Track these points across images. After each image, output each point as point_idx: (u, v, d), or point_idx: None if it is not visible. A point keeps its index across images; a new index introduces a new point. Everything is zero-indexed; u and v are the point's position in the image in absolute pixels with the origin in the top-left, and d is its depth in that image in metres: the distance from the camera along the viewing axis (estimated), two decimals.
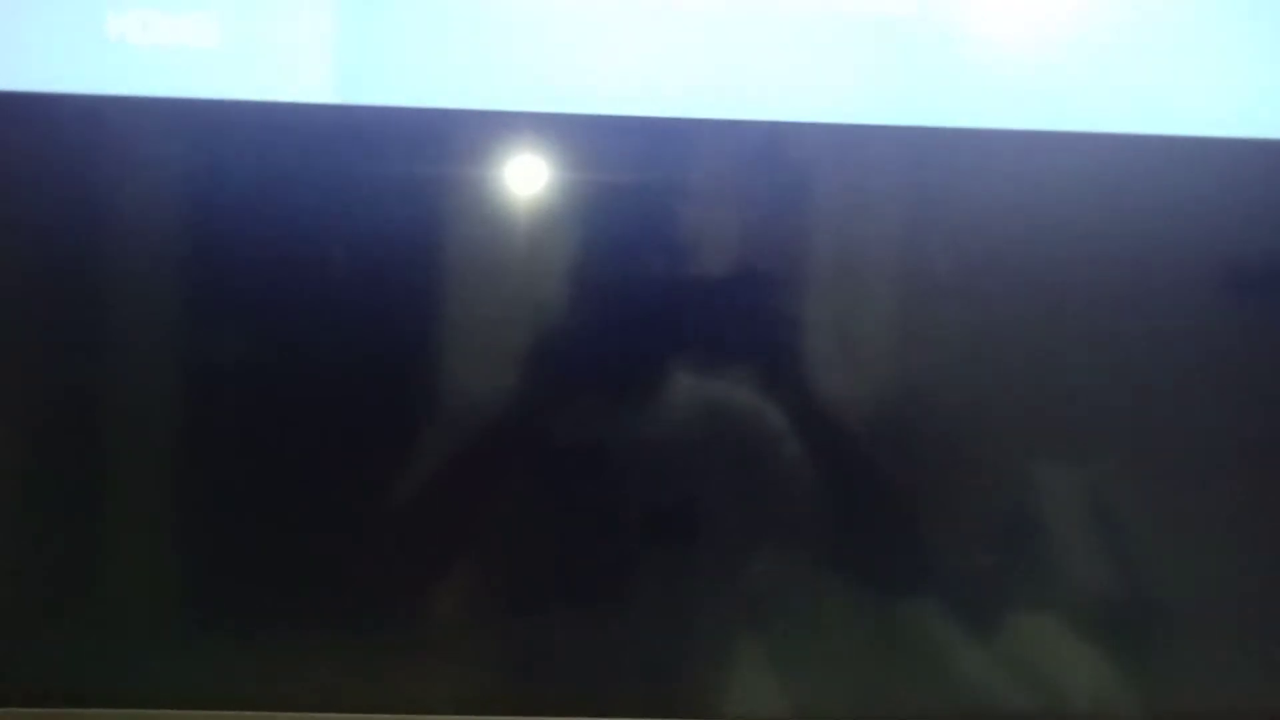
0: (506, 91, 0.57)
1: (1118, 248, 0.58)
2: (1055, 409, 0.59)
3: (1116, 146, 0.58)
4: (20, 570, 0.58)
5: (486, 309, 0.58)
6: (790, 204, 0.58)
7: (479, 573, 0.60)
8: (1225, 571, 0.60)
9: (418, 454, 0.59)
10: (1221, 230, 0.58)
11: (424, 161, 0.57)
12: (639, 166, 0.57)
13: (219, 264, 0.57)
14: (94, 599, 0.58)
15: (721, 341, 0.58)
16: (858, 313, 0.59)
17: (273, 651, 0.59)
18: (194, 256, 0.57)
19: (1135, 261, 0.58)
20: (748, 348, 0.59)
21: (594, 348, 0.58)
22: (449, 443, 0.59)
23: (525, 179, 0.57)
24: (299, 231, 0.56)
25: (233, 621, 0.59)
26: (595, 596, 0.60)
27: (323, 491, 0.58)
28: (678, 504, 0.59)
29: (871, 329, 0.59)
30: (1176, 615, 0.60)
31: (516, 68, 0.57)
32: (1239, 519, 0.60)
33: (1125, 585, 0.60)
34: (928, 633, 0.60)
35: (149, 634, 0.59)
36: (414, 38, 0.56)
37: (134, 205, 0.56)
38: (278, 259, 0.57)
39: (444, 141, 0.57)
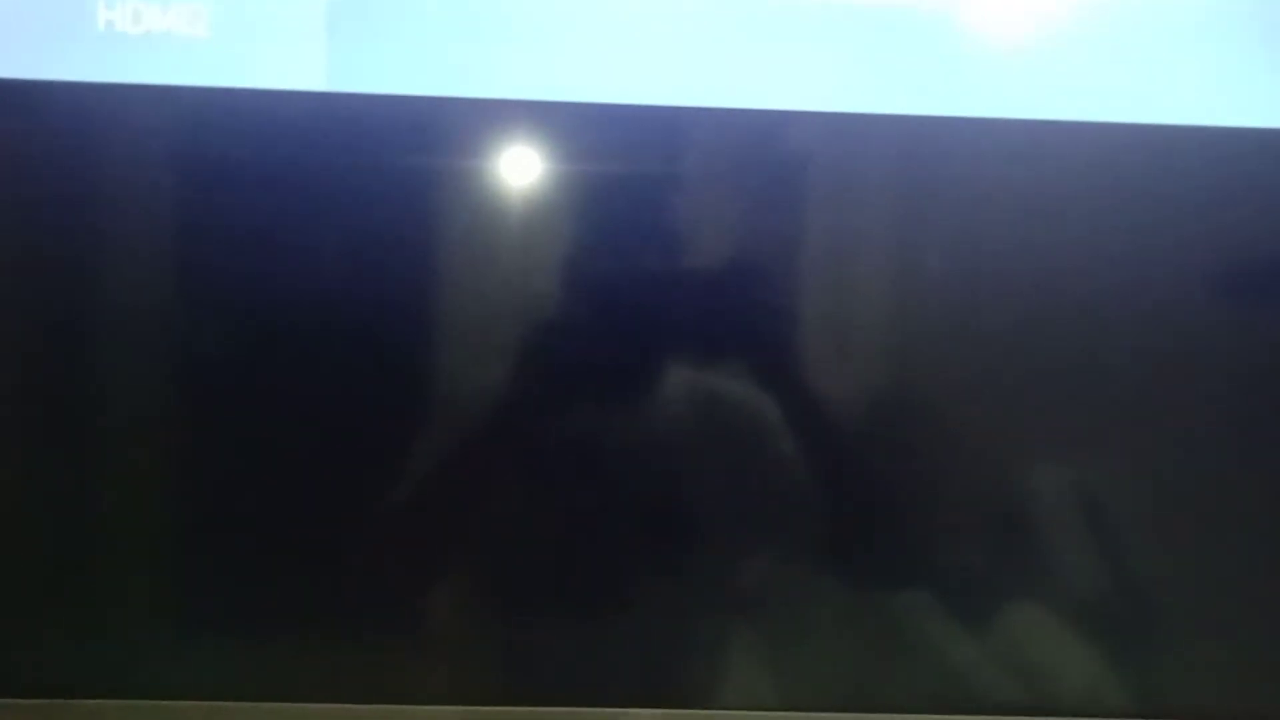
0: (499, 80, 0.56)
1: (1114, 237, 0.58)
2: (1050, 402, 0.59)
3: (1113, 136, 0.57)
4: (17, 561, 0.58)
5: (479, 299, 0.58)
6: (785, 193, 0.58)
7: (473, 565, 0.60)
8: (1219, 568, 0.60)
9: (412, 445, 0.59)
10: (1219, 220, 0.58)
11: (416, 150, 0.57)
12: (633, 155, 0.57)
13: (209, 253, 0.57)
14: (91, 590, 0.58)
15: (715, 332, 0.58)
16: (853, 304, 0.59)
17: (269, 643, 0.59)
18: (184, 245, 0.57)
19: (1132, 251, 0.58)
20: (742, 339, 0.58)
21: (587, 338, 0.58)
22: (441, 436, 0.59)
23: (517, 168, 0.57)
24: (290, 220, 0.56)
25: (229, 613, 0.59)
26: (589, 590, 0.60)
27: (316, 484, 0.58)
28: (672, 497, 0.59)
29: (867, 320, 0.59)
30: (1169, 612, 0.60)
31: (508, 56, 0.56)
32: (1234, 515, 0.60)
33: (1117, 581, 0.60)
34: (923, 627, 0.60)
35: (146, 625, 0.59)
36: (405, 26, 0.56)
37: (124, 193, 0.56)
38: (269, 248, 0.56)
39: (436, 130, 0.57)
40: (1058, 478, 0.60)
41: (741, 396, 0.58)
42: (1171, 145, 0.57)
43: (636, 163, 0.57)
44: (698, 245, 0.58)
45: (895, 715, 0.59)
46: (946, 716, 0.59)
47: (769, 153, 0.58)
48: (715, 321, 0.58)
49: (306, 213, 0.56)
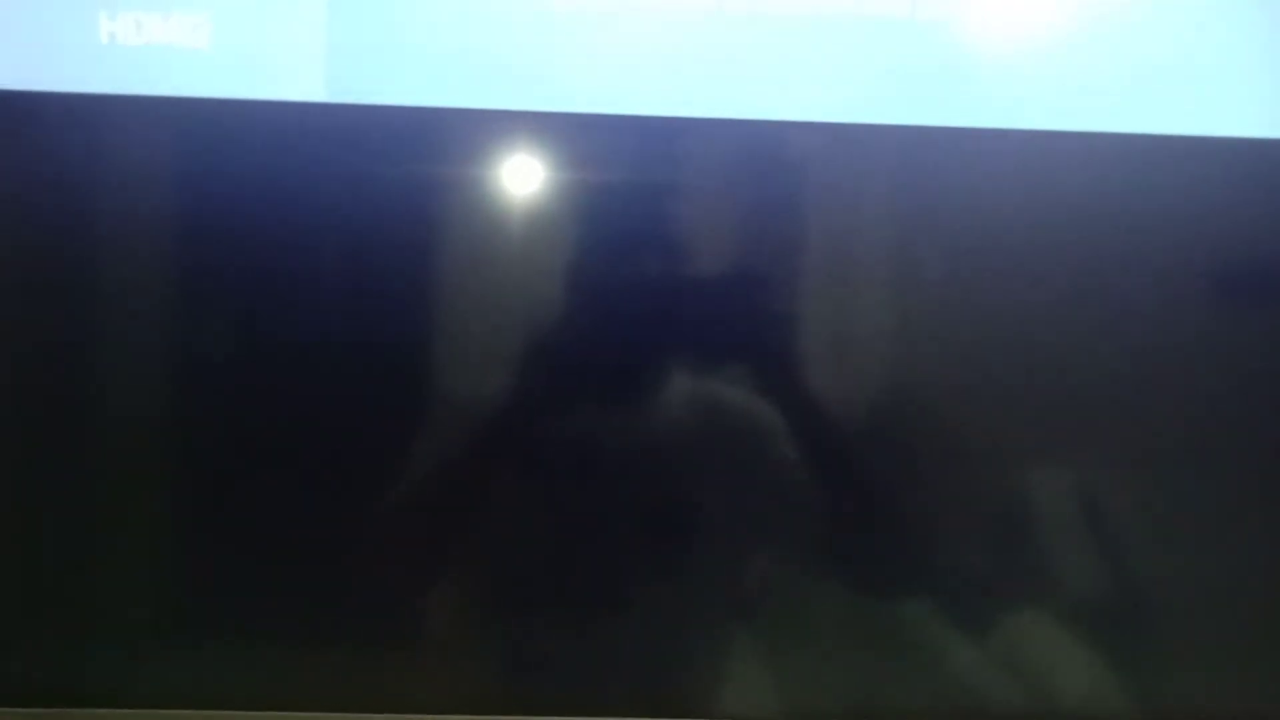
0: (498, 91, 0.57)
1: (1112, 246, 0.58)
2: (1049, 407, 0.59)
3: (1112, 146, 0.57)
4: (18, 568, 0.58)
5: (479, 308, 0.58)
6: (785, 202, 0.58)
7: (474, 571, 0.60)
8: (1219, 569, 0.60)
9: (412, 452, 0.59)
10: (1217, 229, 0.58)
11: (416, 160, 0.57)
12: (632, 165, 0.57)
13: (211, 263, 0.57)
14: (91, 598, 0.59)
15: (716, 340, 0.58)
16: (852, 312, 0.59)
17: (270, 652, 0.59)
18: (186, 255, 0.57)
19: (1130, 260, 0.58)
20: (742, 347, 0.58)
21: (588, 346, 0.58)
22: (443, 441, 0.59)
23: (517, 178, 0.57)
24: (291, 231, 0.57)
25: (229, 621, 0.59)
26: (590, 597, 0.60)
27: (317, 496, 0.58)
28: (673, 505, 0.59)
29: (866, 328, 0.59)
30: (1169, 614, 0.60)
31: (508, 67, 0.57)
32: (1234, 517, 0.59)
33: (1118, 584, 0.60)
34: (924, 632, 0.60)
35: (146, 633, 0.59)
36: (405, 37, 0.56)
37: (126, 204, 0.56)
38: (270, 258, 0.57)
39: (435, 140, 0.57)
40: (1058, 483, 0.60)
41: (741, 403, 0.58)
42: (1170, 155, 0.57)
43: (637, 173, 0.57)
44: (698, 254, 0.58)
45: None
46: None
47: (769, 163, 0.58)
48: (715, 329, 0.58)
49: (306, 223, 0.57)
